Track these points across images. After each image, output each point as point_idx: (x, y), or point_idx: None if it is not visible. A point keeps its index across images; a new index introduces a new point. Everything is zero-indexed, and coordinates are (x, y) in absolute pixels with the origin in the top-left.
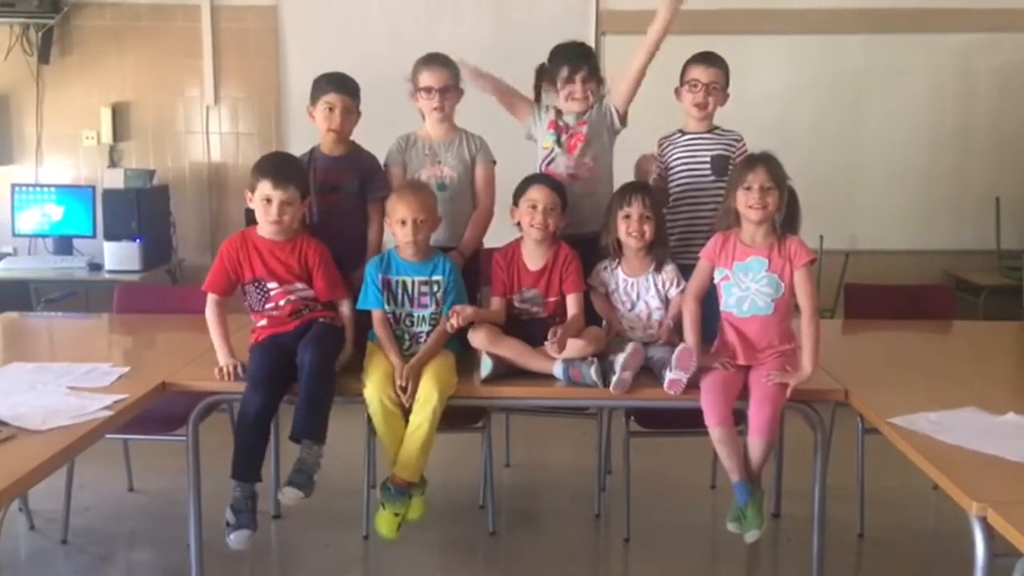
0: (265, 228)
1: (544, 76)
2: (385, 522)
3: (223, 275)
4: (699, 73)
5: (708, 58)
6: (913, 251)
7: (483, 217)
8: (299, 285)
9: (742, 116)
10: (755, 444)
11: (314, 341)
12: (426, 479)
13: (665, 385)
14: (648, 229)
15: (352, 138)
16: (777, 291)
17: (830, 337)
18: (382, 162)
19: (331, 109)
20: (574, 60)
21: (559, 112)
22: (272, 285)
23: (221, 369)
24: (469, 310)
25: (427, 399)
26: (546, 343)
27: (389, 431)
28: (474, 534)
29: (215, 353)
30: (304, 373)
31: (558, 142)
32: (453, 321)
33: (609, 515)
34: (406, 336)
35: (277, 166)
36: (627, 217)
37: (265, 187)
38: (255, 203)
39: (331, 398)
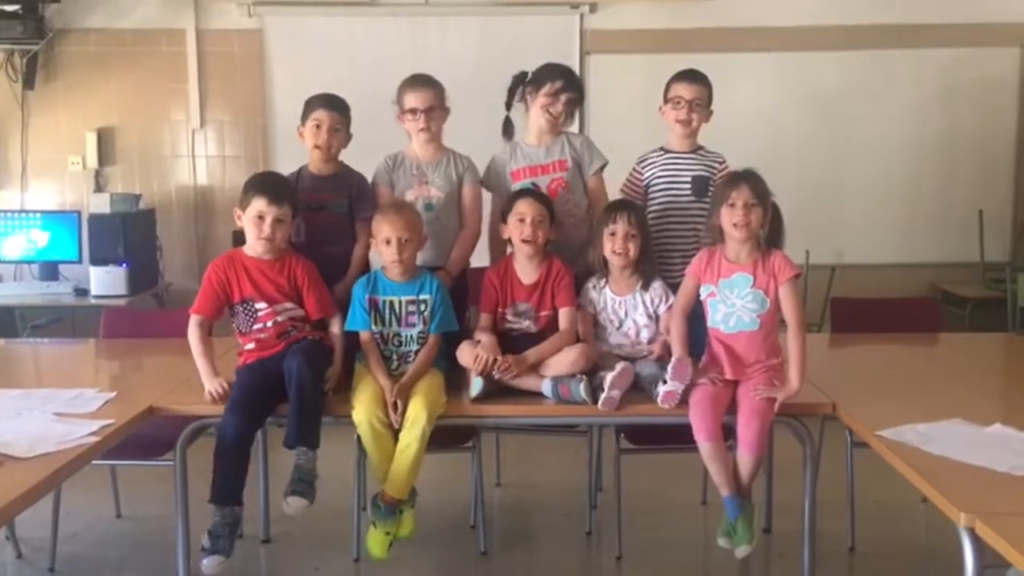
0: (254, 247)
1: (527, 81)
2: (376, 542)
3: (212, 297)
4: (682, 90)
5: (691, 75)
6: (898, 264)
7: (470, 237)
8: (288, 305)
9: (727, 133)
10: (744, 459)
11: (301, 350)
12: (416, 491)
13: (660, 398)
14: (633, 247)
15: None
16: (763, 307)
17: (817, 351)
18: (370, 182)
19: (318, 126)
20: (570, 83)
21: (518, 149)
22: (261, 305)
23: (210, 392)
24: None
25: (416, 418)
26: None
27: (379, 452)
28: (466, 554)
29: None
30: (292, 380)
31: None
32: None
33: (601, 532)
34: (394, 356)
35: (272, 184)
36: (612, 235)
37: (260, 204)
38: (246, 220)
39: (322, 404)
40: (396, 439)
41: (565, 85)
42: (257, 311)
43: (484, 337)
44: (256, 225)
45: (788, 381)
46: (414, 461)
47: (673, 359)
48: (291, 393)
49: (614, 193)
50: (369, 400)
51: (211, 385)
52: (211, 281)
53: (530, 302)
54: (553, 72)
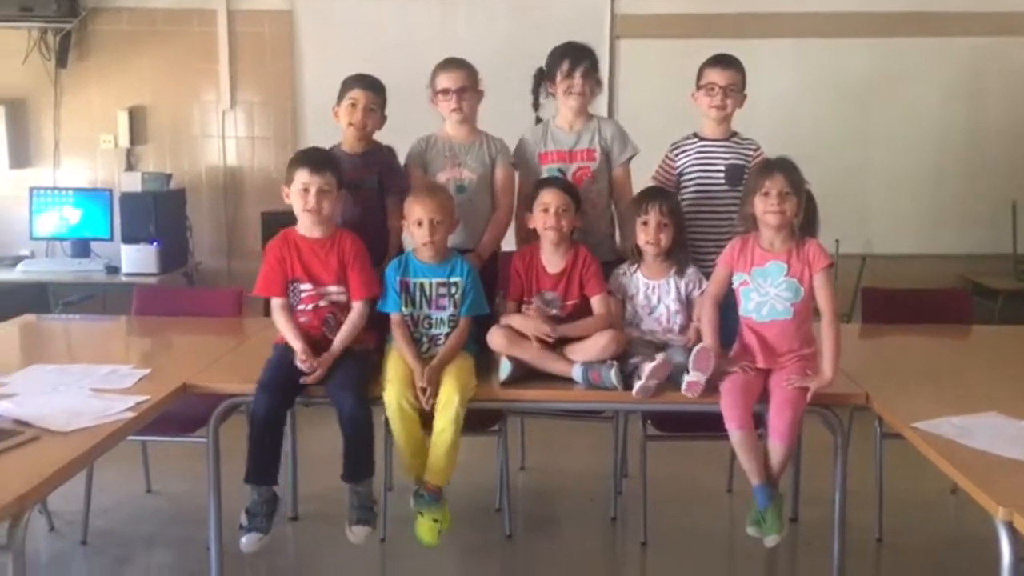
0: (303, 221)
1: (543, 77)
2: (426, 529)
3: (275, 276)
4: (716, 76)
5: (724, 60)
6: (928, 255)
7: (502, 219)
8: (332, 288)
9: (752, 121)
10: (776, 448)
11: (351, 387)
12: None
13: (683, 387)
14: (664, 237)
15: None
16: (796, 295)
17: (848, 341)
18: (402, 161)
19: (354, 105)
20: (575, 55)
21: (549, 132)
22: (306, 287)
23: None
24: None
25: (448, 402)
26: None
27: (406, 434)
28: (491, 537)
29: (234, 356)
30: (345, 418)
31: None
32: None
33: (626, 519)
34: (424, 339)
35: (313, 155)
36: (644, 224)
37: (303, 175)
38: (292, 195)
39: (372, 435)
40: (423, 423)
41: (573, 61)
42: (301, 292)
43: (516, 319)
44: (301, 197)
45: (821, 371)
46: (451, 445)
47: (695, 349)
48: (344, 431)
49: (639, 181)
50: (400, 382)
51: (302, 349)
52: (270, 261)
53: (556, 291)
54: (558, 55)
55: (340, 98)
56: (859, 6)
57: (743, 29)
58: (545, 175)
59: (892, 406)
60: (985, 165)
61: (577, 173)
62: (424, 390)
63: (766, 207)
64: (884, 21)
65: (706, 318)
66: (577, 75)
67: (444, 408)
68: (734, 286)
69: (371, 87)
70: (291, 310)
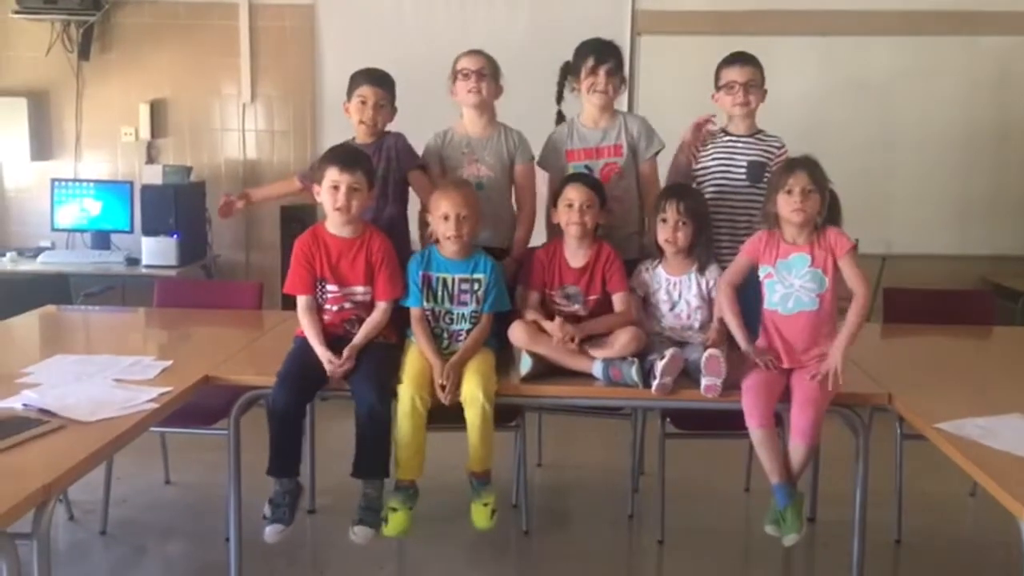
0: (333, 220)
1: (569, 70)
2: (479, 514)
3: (304, 273)
4: (735, 74)
5: (741, 58)
6: (949, 256)
7: (528, 217)
8: (358, 289)
9: (773, 118)
10: (797, 447)
11: (373, 382)
12: (418, 491)
13: (702, 389)
14: (682, 236)
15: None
16: (821, 286)
17: (870, 341)
18: (420, 155)
19: (363, 102)
20: (601, 52)
21: (575, 130)
22: (332, 288)
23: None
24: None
25: (473, 399)
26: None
27: (411, 432)
28: (507, 533)
29: (255, 348)
30: (362, 415)
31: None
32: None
33: (642, 516)
34: (444, 334)
35: (343, 153)
36: (664, 222)
37: (332, 173)
38: (323, 193)
39: (390, 435)
40: (430, 420)
41: (597, 59)
42: (328, 293)
43: (547, 324)
44: (331, 195)
45: (831, 351)
46: (484, 436)
47: (705, 354)
48: (359, 425)
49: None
50: (416, 379)
51: (327, 357)
52: (299, 259)
53: (579, 285)
54: (584, 51)
55: (349, 94)
56: (882, 3)
57: (764, 25)
58: (569, 171)
59: (914, 407)
60: (1009, 166)
61: (604, 169)
62: (443, 387)
63: (789, 205)
64: (908, 18)
65: (725, 301)
66: (601, 72)
67: (470, 405)
68: (760, 278)
69: (379, 83)
70: (318, 309)
